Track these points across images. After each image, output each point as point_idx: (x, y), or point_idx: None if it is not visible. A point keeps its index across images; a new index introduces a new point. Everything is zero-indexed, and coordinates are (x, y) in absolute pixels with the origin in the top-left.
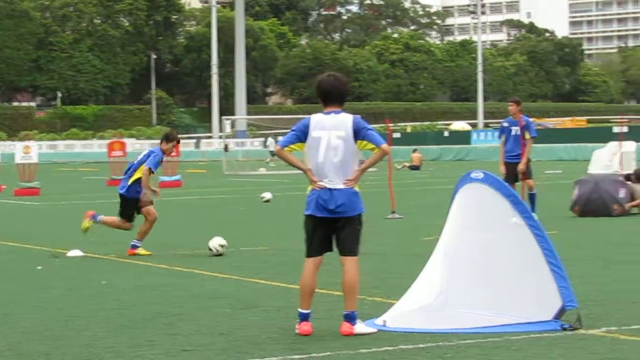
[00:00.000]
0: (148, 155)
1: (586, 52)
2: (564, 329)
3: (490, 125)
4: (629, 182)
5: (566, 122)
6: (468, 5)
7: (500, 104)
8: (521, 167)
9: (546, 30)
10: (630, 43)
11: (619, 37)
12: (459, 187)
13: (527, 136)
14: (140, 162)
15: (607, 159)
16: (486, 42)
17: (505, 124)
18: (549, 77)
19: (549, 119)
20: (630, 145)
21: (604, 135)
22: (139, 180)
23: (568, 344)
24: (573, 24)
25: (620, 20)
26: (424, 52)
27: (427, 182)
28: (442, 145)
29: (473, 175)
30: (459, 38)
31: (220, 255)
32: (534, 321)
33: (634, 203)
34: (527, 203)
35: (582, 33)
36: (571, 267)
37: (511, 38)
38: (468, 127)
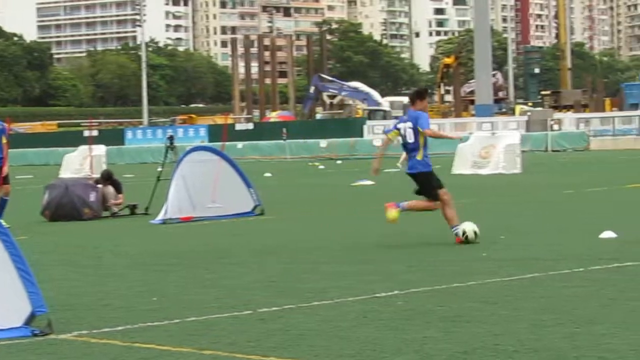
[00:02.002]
0: (415, 121)
1: (56, 56)
2: (35, 335)
3: None
4: (99, 186)
5: (36, 127)
6: None
7: None
8: (6, 169)
9: (14, 34)
10: (100, 47)
11: (88, 41)
12: None
13: (4, 140)
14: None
15: (77, 163)
16: None
17: None
18: (19, 81)
19: (19, 123)
20: (100, 149)
21: (75, 139)
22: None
23: (39, 350)
24: (42, 27)
25: (89, 24)
26: None
27: None
28: None
29: None
30: None
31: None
32: (3, 328)
33: (112, 202)
34: None
35: (51, 37)
36: (42, 272)
37: None
38: None
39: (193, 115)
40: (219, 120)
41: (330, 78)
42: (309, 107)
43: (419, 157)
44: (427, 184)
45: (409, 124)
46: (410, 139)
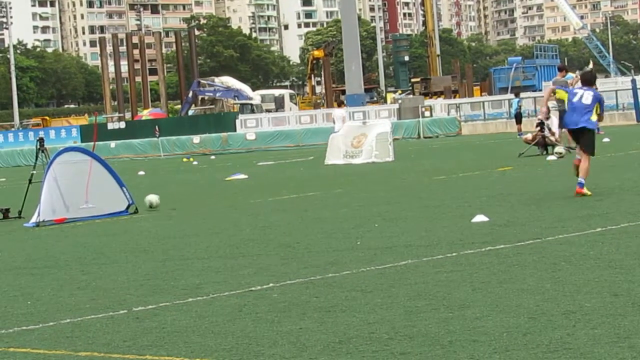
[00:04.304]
0: (597, 98)
1: None
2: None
3: None
4: None
5: None
6: None
7: None
8: None
9: None
10: None
11: None
12: None
13: None
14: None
15: None
16: None
17: None
18: None
19: None
20: None
21: None
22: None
23: None
24: None
25: None
26: None
27: None
28: None
29: None
30: None
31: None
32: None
33: None
34: None
35: None
36: None
37: None
38: None
39: (47, 118)
40: (73, 121)
41: (208, 81)
42: (186, 111)
43: (592, 118)
44: (592, 139)
45: (590, 92)
46: (587, 101)
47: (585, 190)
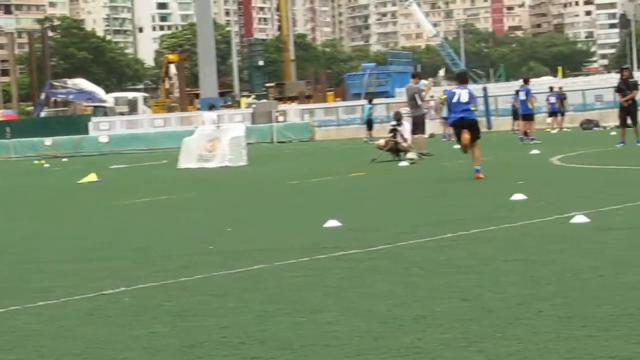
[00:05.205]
0: (472, 95)
1: None
2: None
3: None
4: None
5: None
6: None
7: None
8: None
9: None
10: None
11: None
12: None
13: None
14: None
15: None
16: None
17: None
18: None
19: None
20: None
21: None
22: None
23: None
24: None
25: None
26: None
27: None
28: None
29: None
30: None
31: None
32: None
33: None
34: None
35: None
36: None
37: None
38: None
39: None
40: None
41: (61, 83)
42: (39, 113)
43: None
44: (476, 127)
45: (466, 91)
46: (465, 99)
47: (481, 175)
